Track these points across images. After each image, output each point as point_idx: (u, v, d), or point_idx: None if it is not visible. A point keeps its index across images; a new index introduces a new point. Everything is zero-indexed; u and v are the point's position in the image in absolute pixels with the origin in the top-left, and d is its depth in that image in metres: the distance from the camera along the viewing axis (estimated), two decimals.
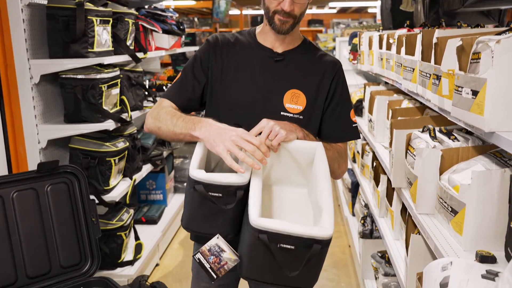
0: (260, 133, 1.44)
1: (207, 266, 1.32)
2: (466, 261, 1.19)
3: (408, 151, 1.84)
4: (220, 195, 1.30)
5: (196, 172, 1.30)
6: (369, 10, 12.07)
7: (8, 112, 2.51)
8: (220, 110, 1.58)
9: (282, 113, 1.57)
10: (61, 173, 1.83)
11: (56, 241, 1.80)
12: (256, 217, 1.21)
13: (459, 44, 1.44)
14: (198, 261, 1.32)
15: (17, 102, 2.53)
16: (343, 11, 12.68)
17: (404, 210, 2.16)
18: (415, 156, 1.71)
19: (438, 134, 1.73)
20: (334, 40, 9.65)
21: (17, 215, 1.72)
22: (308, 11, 11.89)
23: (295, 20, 1.53)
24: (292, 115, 1.57)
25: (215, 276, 1.31)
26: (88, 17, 2.48)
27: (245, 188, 1.32)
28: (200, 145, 1.42)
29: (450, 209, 1.44)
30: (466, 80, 1.33)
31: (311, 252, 1.20)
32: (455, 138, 1.68)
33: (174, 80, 1.66)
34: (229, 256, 1.31)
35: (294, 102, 1.58)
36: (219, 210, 1.32)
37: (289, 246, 1.20)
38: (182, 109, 1.58)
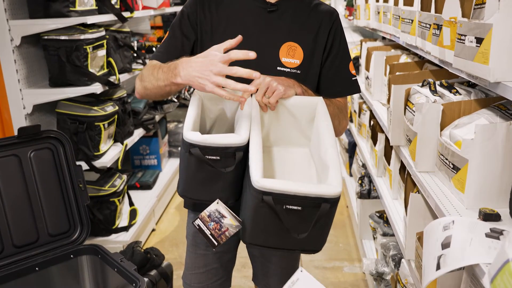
0: (256, 91, 1.35)
1: (208, 232, 1.25)
2: (469, 219, 1.13)
3: (407, 107, 1.75)
4: (218, 157, 1.21)
5: (190, 134, 1.21)
6: None
7: None
8: None
9: (278, 68, 1.47)
10: (45, 138, 1.74)
11: (43, 209, 1.73)
12: (259, 178, 1.13)
13: None
14: (197, 227, 1.25)
15: None
16: None
17: (402, 169, 2.10)
18: (414, 112, 1.63)
19: (438, 88, 1.64)
20: None
21: None
22: None
23: None
24: (289, 69, 1.47)
25: (216, 243, 1.24)
26: None
27: (244, 148, 1.24)
28: (193, 105, 1.33)
29: (451, 166, 1.37)
30: (469, 27, 1.23)
31: (319, 212, 1.13)
32: (457, 91, 1.59)
33: (163, 39, 1.56)
34: (230, 222, 1.24)
35: (291, 55, 1.48)
36: (217, 174, 1.23)
37: (296, 207, 1.13)
38: None
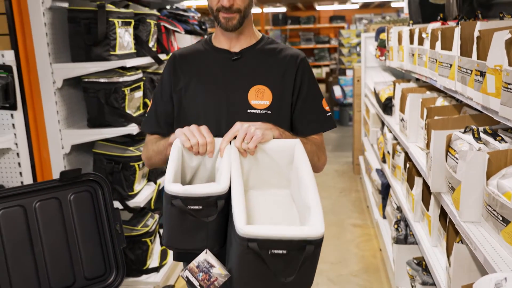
0: (235, 137, 1.39)
1: (196, 284, 1.25)
2: None
3: (448, 153, 1.72)
4: (200, 207, 1.24)
5: (171, 186, 1.24)
6: (392, 5, 11.79)
7: (32, 117, 2.48)
8: (188, 121, 1.55)
9: (248, 110, 1.53)
10: (84, 181, 1.76)
11: (80, 251, 1.73)
12: (243, 226, 1.14)
13: (508, 38, 1.32)
14: (186, 279, 1.25)
15: (40, 107, 2.50)
16: (365, 6, 12.41)
17: (442, 215, 2.04)
18: (457, 159, 1.59)
19: (482, 135, 1.61)
20: (357, 36, 9.44)
21: (40, 226, 1.66)
22: (329, 7, 11.46)
23: (241, 14, 1.50)
24: (259, 111, 1.53)
25: None
26: (110, 19, 2.43)
27: (226, 197, 1.26)
28: (173, 156, 1.37)
29: (500, 218, 1.32)
30: None
31: (304, 254, 1.13)
32: (502, 139, 1.55)
33: (147, 110, 1.69)
34: (219, 271, 1.24)
35: (260, 97, 1.54)
36: (200, 224, 1.26)
37: (281, 251, 1.13)
38: (164, 134, 1.62)
